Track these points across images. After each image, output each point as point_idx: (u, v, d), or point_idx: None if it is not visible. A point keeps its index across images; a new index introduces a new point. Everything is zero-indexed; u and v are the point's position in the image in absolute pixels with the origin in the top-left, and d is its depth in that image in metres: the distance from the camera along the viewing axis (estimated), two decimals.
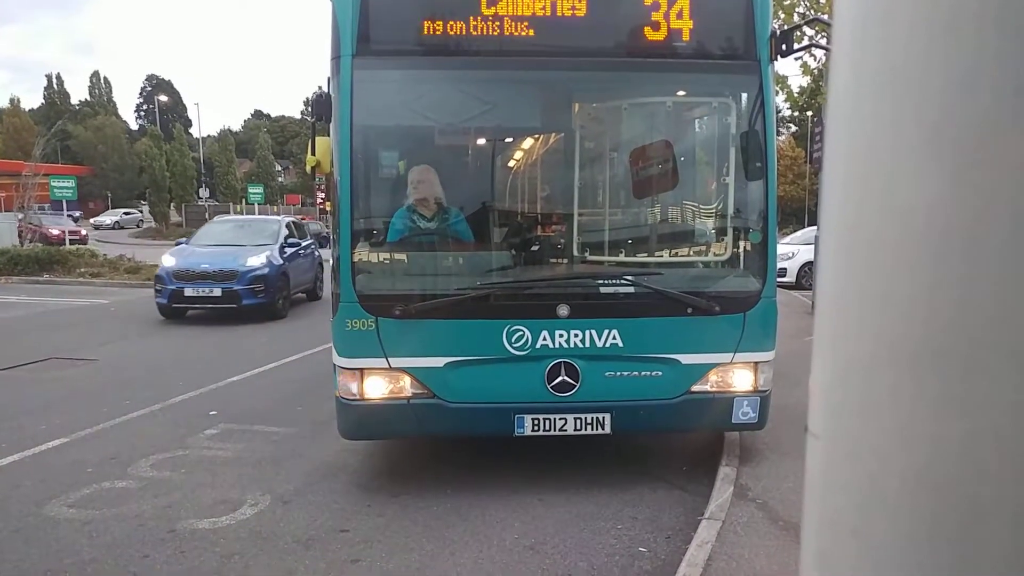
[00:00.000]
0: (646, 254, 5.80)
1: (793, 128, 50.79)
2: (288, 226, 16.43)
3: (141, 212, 59.44)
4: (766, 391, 5.34)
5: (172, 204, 52.99)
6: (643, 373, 5.23)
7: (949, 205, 0.56)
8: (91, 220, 40.62)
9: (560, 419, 5.19)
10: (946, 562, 0.59)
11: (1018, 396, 0.56)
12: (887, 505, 0.61)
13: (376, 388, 5.13)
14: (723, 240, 5.61)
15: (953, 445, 0.58)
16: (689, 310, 5.15)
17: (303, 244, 16.50)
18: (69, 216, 57.92)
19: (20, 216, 26.81)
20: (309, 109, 5.51)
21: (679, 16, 4.97)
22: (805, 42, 5.72)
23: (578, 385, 5.13)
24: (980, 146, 0.55)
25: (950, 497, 0.58)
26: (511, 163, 6.55)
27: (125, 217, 57.24)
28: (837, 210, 0.64)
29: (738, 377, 5.31)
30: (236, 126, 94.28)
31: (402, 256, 5.51)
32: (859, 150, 0.61)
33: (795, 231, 26.03)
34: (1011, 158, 0.54)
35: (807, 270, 18.07)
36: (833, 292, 0.64)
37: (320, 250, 17.69)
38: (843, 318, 0.63)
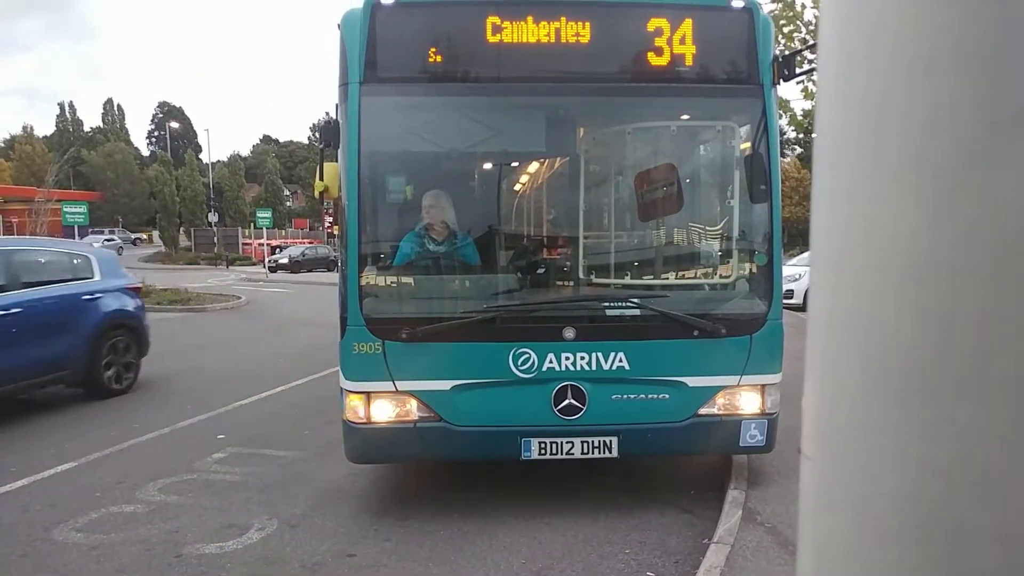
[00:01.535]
0: (652, 277, 5.80)
1: (799, 150, 50.83)
2: None
3: (120, 239, 59.15)
4: (773, 414, 5.32)
5: (181, 228, 53.39)
6: (650, 396, 5.22)
7: (931, 234, 0.58)
8: None
9: (567, 442, 5.18)
10: None
11: (1003, 419, 0.57)
12: (878, 527, 0.62)
13: (383, 411, 5.13)
14: (728, 262, 5.62)
15: (940, 468, 0.59)
16: (695, 333, 5.15)
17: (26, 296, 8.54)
18: (119, 239, 57.06)
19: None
20: (317, 135, 5.58)
21: (682, 42, 5.02)
22: (806, 67, 5.75)
23: (585, 408, 5.13)
24: (959, 177, 0.57)
25: (939, 519, 0.60)
26: (517, 187, 6.59)
27: (107, 244, 56.48)
28: (824, 238, 0.66)
29: (745, 400, 5.29)
30: (245, 151, 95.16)
31: (409, 280, 5.54)
32: (844, 181, 0.63)
33: (801, 253, 25.96)
34: (989, 188, 0.56)
35: None
36: (823, 317, 0.66)
37: (125, 299, 10.00)
38: (833, 343, 0.65)
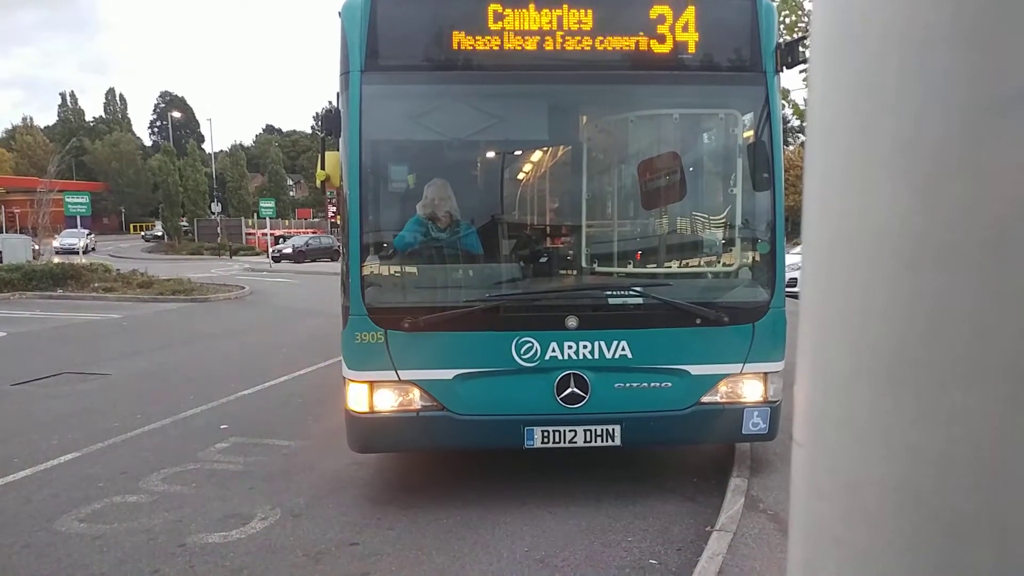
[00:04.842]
0: (654, 265, 5.79)
1: (802, 138, 50.70)
2: None
3: (91, 233, 54.43)
4: (776, 401, 5.32)
5: (185, 218, 53.43)
6: (652, 384, 5.21)
7: (922, 217, 0.57)
8: (54, 243, 31.78)
9: (570, 431, 5.18)
10: (928, 570, 0.59)
11: (995, 406, 0.56)
12: (868, 514, 0.61)
13: (385, 401, 5.13)
14: (731, 251, 5.60)
15: (931, 455, 0.58)
16: (698, 321, 5.13)
17: None
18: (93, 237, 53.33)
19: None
20: (319, 124, 5.55)
21: (685, 29, 4.99)
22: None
23: (587, 397, 5.12)
24: (952, 159, 0.56)
25: (929, 506, 0.59)
26: (519, 176, 6.57)
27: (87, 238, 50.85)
28: (816, 223, 0.65)
29: (748, 388, 5.29)
30: (248, 141, 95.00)
31: (412, 269, 5.53)
32: (836, 164, 0.62)
33: None
34: (981, 171, 0.55)
35: None
36: (814, 305, 0.65)
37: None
38: (824, 330, 0.64)
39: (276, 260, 38.74)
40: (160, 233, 62.41)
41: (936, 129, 0.56)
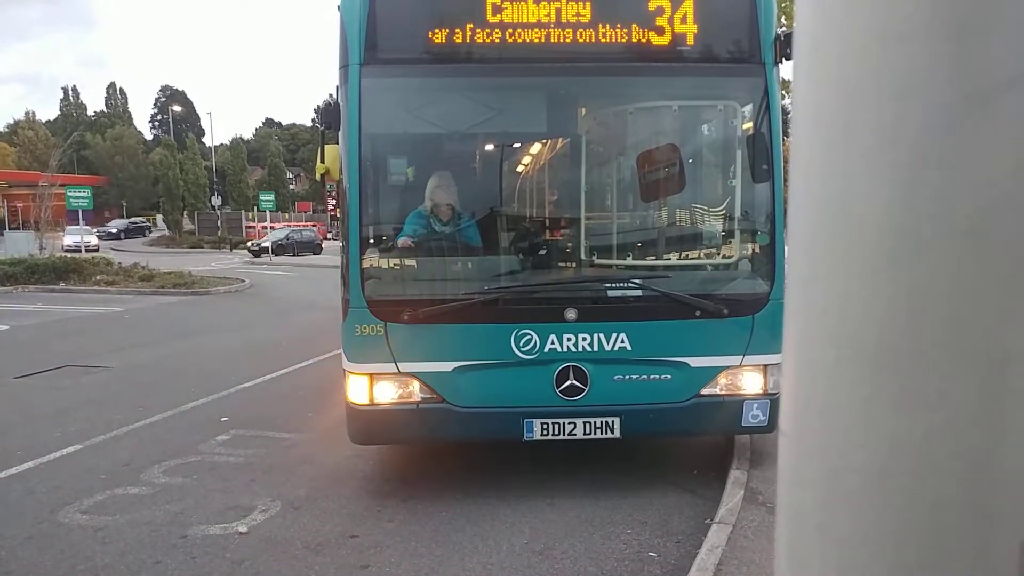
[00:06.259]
0: (653, 257, 5.79)
1: None
2: None
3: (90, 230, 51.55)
4: (776, 394, 5.31)
5: (185, 212, 53.43)
6: (652, 376, 5.22)
7: (903, 209, 0.58)
8: (64, 241, 31.46)
9: (569, 423, 5.19)
10: (910, 557, 0.60)
11: (971, 392, 0.57)
12: (850, 501, 0.62)
13: (385, 393, 5.15)
14: (731, 243, 5.60)
15: (911, 442, 0.59)
16: (697, 313, 5.14)
17: None
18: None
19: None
20: (319, 117, 5.55)
21: (683, 20, 4.98)
22: None
23: (587, 389, 5.14)
24: (932, 150, 0.56)
25: (911, 492, 0.60)
26: (518, 169, 6.57)
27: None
28: (800, 215, 0.65)
29: (747, 380, 5.29)
30: (248, 134, 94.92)
31: (411, 261, 5.53)
32: (818, 156, 0.62)
33: None
34: (962, 161, 0.55)
35: None
36: (799, 295, 0.66)
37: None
38: (807, 320, 0.65)
39: (256, 254, 37.47)
40: (115, 230, 58.18)
41: (915, 121, 0.57)
